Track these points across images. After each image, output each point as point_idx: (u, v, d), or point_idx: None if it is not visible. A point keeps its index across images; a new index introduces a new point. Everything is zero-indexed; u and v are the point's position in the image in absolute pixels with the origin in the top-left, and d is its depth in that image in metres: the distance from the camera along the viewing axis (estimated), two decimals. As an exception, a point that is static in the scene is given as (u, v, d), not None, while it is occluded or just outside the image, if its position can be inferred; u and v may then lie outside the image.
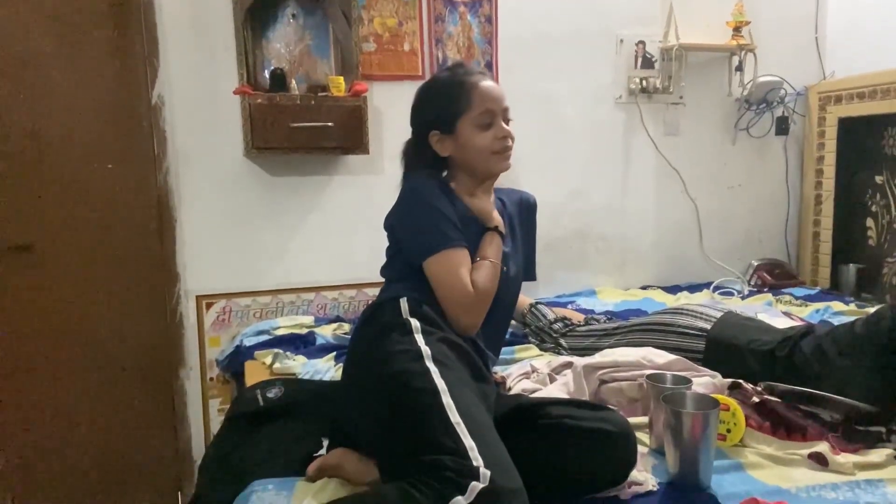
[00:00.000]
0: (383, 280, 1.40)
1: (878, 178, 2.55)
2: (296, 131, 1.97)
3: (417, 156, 1.43)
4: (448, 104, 1.37)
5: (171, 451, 2.26)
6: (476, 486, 0.91)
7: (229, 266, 2.23)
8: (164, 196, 2.16)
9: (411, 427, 1.03)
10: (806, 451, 1.18)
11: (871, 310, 1.74)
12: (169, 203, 2.16)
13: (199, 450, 2.27)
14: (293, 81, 2.07)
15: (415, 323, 1.21)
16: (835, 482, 1.11)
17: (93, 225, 2.12)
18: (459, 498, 0.90)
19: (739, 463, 1.17)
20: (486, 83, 1.38)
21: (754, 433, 1.24)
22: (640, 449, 1.18)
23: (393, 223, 1.37)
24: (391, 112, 2.27)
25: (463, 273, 1.27)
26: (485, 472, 0.92)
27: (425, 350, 1.15)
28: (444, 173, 1.44)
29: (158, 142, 2.15)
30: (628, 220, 2.67)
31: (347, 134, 2.02)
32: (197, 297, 2.22)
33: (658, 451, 1.21)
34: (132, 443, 2.22)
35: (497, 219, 1.39)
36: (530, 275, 1.57)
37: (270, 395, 1.39)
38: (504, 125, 1.38)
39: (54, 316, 2.10)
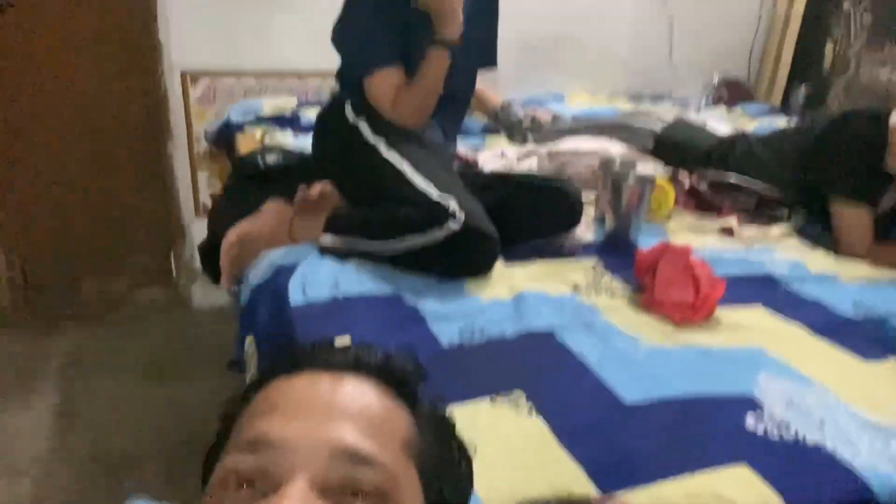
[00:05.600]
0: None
1: (846, 4, 2.63)
2: None
3: None
4: None
5: (163, 216, 2.47)
6: (451, 225, 1.13)
7: (213, 44, 2.28)
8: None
9: (388, 200, 1.22)
10: (718, 226, 1.45)
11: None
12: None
13: (189, 215, 2.49)
14: None
15: (362, 124, 1.37)
16: (735, 247, 1.39)
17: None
18: (436, 231, 1.13)
19: (664, 230, 1.44)
20: None
21: (680, 210, 1.49)
22: (586, 217, 1.43)
23: (333, 36, 1.42)
24: None
25: (384, 96, 1.34)
26: (459, 215, 1.14)
27: (379, 144, 1.32)
28: None
29: None
30: (605, 27, 2.73)
31: None
32: (182, 72, 2.28)
33: (600, 221, 1.45)
34: (126, 205, 2.40)
35: (454, 26, 1.35)
36: (491, 60, 1.58)
37: (270, 160, 1.55)
38: None
39: (41, 75, 2.16)
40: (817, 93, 2.73)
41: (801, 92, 2.75)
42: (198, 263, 2.49)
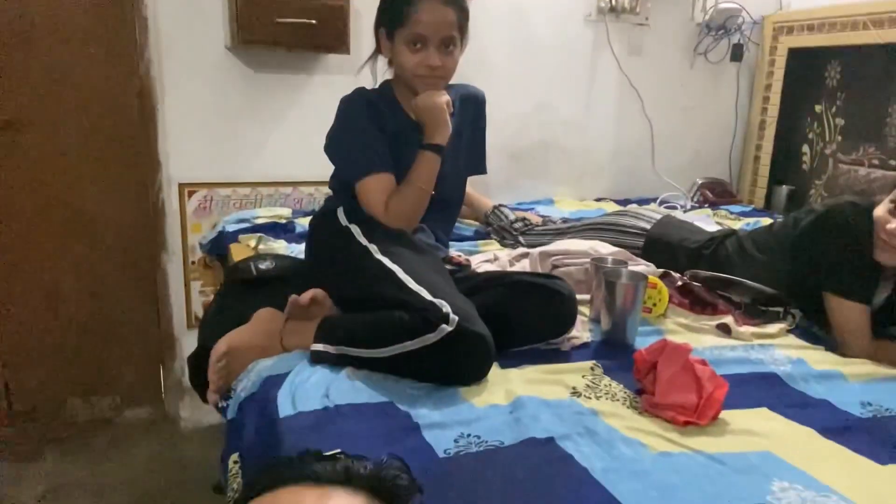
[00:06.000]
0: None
1: (818, 108, 2.77)
2: (280, 27, 2.05)
3: (376, 44, 1.49)
4: (393, 10, 1.39)
5: (154, 329, 2.43)
6: (444, 328, 1.11)
7: (211, 156, 2.34)
8: (146, 84, 2.22)
9: (381, 302, 1.21)
10: (715, 323, 1.43)
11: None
12: (151, 92, 2.23)
13: (180, 327, 2.45)
14: (277, -23, 2.12)
15: (354, 228, 1.39)
16: (734, 345, 1.37)
17: (78, 109, 2.18)
18: (429, 335, 1.11)
19: (660, 329, 1.42)
20: (427, 5, 1.34)
21: (675, 308, 1.48)
22: (581, 318, 1.42)
23: (326, 145, 1.49)
24: (370, 14, 2.34)
25: (377, 199, 1.39)
26: (452, 317, 1.12)
27: (371, 247, 1.33)
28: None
29: (140, 30, 2.19)
30: (589, 135, 2.85)
31: (330, 33, 2.11)
32: (179, 184, 2.33)
33: (595, 321, 1.44)
34: (116, 320, 2.37)
35: (442, 132, 1.42)
36: (480, 168, 1.64)
37: (263, 266, 1.55)
38: (434, 54, 1.36)
39: (41, 192, 2.19)
40: (799, 192, 2.81)
41: (783, 192, 2.83)
42: (187, 378, 2.44)
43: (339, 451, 0.56)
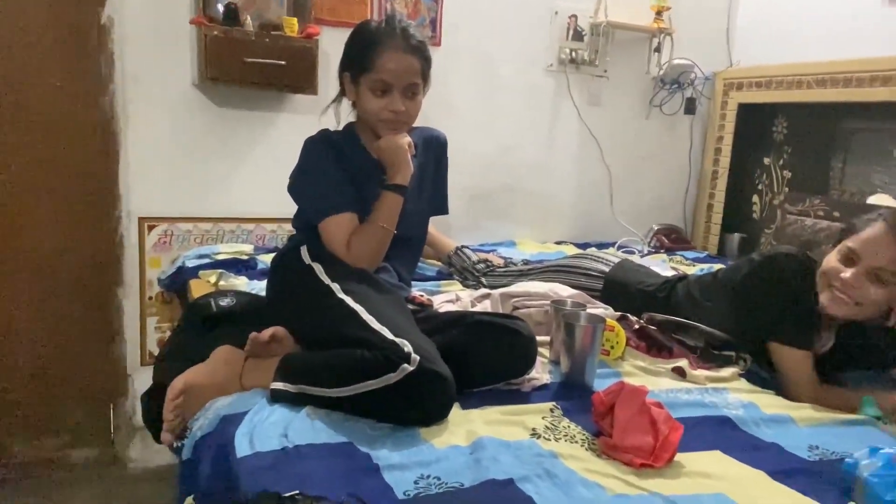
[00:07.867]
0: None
1: (766, 160, 2.90)
2: (248, 66, 2.07)
3: (341, 87, 1.54)
4: (358, 56, 1.44)
5: (107, 366, 2.36)
6: (406, 368, 1.12)
7: (173, 191, 2.32)
8: (109, 118, 2.21)
9: (342, 341, 1.21)
10: (670, 366, 1.47)
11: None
12: (114, 125, 2.21)
13: (134, 365, 2.39)
14: (247, 17, 2.15)
15: (317, 266, 1.40)
16: (689, 388, 1.40)
17: (38, 141, 2.15)
18: (390, 374, 1.11)
19: (618, 372, 1.45)
20: (392, 54, 1.39)
21: (632, 351, 1.52)
22: (541, 359, 1.44)
23: (289, 185, 1.51)
24: (338, 56, 2.39)
25: (339, 239, 1.41)
26: (414, 357, 1.13)
27: (334, 286, 1.34)
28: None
29: (106, 63, 2.19)
30: (550, 179, 2.92)
31: (298, 73, 2.14)
32: (139, 218, 2.30)
33: (555, 363, 1.46)
34: (68, 355, 2.30)
35: (404, 172, 1.46)
36: (443, 208, 1.68)
37: (223, 302, 1.54)
38: (398, 100, 1.42)
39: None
40: (750, 240, 2.92)
41: (735, 239, 2.93)
42: (139, 417, 2.37)
43: (297, 492, 0.56)
